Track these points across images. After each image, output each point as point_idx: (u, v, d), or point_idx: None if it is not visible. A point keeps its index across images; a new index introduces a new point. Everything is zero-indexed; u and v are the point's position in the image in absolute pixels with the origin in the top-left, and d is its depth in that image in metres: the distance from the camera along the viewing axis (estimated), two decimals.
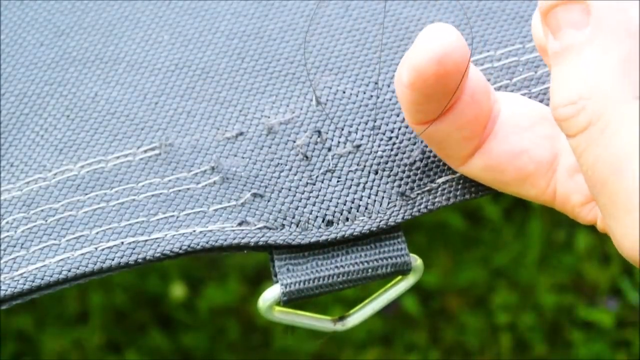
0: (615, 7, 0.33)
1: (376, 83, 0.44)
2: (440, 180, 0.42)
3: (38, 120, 0.44)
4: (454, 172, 0.42)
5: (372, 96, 0.43)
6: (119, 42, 0.47)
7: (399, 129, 0.43)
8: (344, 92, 0.44)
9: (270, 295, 0.40)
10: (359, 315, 0.42)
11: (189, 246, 0.40)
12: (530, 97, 0.43)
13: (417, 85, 0.36)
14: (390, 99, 0.43)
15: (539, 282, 1.28)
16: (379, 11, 0.46)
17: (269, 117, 0.43)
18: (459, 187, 0.42)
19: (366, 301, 0.42)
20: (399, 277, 0.42)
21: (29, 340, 1.26)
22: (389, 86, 0.44)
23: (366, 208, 0.41)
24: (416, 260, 0.41)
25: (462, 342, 1.27)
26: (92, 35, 0.47)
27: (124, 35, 0.47)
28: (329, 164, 0.42)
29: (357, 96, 0.44)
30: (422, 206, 0.41)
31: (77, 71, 0.46)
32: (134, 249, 0.40)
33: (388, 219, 0.41)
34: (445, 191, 0.42)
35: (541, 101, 0.43)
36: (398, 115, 0.43)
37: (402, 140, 0.42)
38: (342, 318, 0.42)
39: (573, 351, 1.25)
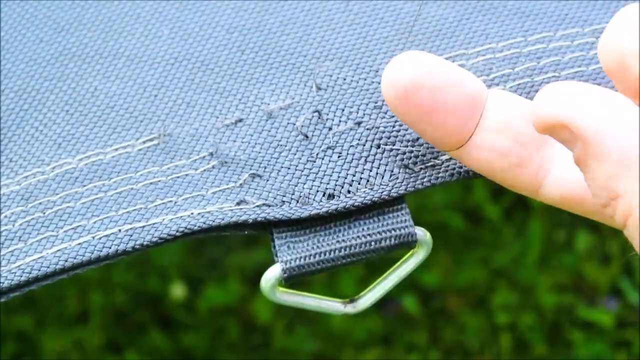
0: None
1: (377, 71, 0.44)
2: (444, 157, 0.41)
3: (37, 115, 0.44)
4: None
5: (373, 82, 0.43)
6: (119, 37, 0.47)
7: None
8: (344, 79, 0.44)
9: (271, 274, 0.39)
10: (370, 296, 0.41)
11: (185, 228, 0.39)
12: (532, 86, 0.43)
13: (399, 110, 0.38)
14: None
15: (539, 282, 1.28)
16: (380, 6, 0.46)
17: (268, 104, 0.43)
18: (464, 164, 0.41)
19: (376, 281, 0.41)
20: (409, 253, 0.40)
21: (29, 340, 1.26)
22: None
23: (368, 181, 0.40)
24: (425, 234, 0.40)
25: (462, 342, 1.27)
26: (92, 31, 0.47)
27: (123, 30, 0.47)
28: (330, 142, 0.42)
29: (357, 82, 0.44)
30: (426, 179, 0.40)
31: (76, 66, 0.46)
32: (131, 235, 0.39)
33: (390, 190, 0.40)
34: (449, 168, 0.41)
35: None
36: None
37: None
38: (352, 300, 0.41)
39: (573, 351, 1.25)
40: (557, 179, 0.38)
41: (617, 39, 0.33)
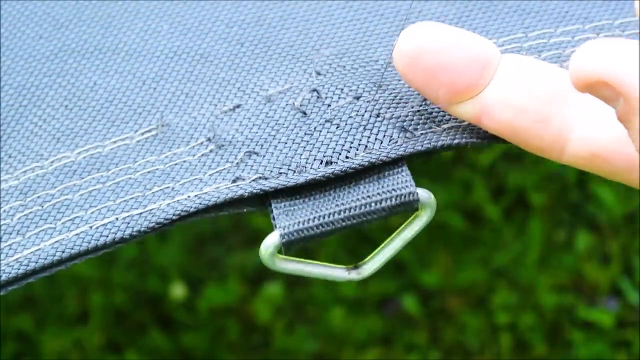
0: None
1: (376, 61, 0.44)
2: (445, 126, 0.41)
3: (37, 111, 0.45)
4: (462, 121, 0.41)
5: (372, 69, 0.43)
6: (118, 32, 0.47)
7: (402, 87, 0.42)
8: (344, 67, 0.44)
9: (270, 241, 0.38)
10: (375, 262, 0.40)
11: (182, 210, 0.39)
12: None
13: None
14: (392, 72, 0.43)
15: (539, 282, 1.28)
16: (380, 3, 0.46)
17: (267, 90, 0.43)
18: (466, 132, 0.40)
19: (380, 246, 0.40)
20: (412, 216, 0.39)
21: (29, 340, 1.26)
22: (390, 63, 0.43)
23: (366, 146, 0.40)
24: (429, 195, 0.39)
25: (462, 342, 1.27)
26: (91, 27, 0.47)
27: (123, 26, 0.47)
28: (328, 116, 0.41)
29: (357, 70, 0.44)
30: (426, 141, 0.40)
31: (75, 62, 0.46)
32: (128, 223, 0.39)
33: (389, 152, 0.39)
34: (451, 134, 0.40)
35: None
36: (399, 80, 0.42)
37: (405, 93, 0.42)
38: (356, 266, 0.40)
39: (573, 351, 1.25)
40: (585, 135, 0.38)
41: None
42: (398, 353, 1.26)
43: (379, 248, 0.40)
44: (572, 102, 0.38)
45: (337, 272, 0.40)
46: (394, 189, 0.39)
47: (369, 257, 0.40)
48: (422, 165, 1.22)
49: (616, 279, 1.29)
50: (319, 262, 0.39)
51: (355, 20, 0.46)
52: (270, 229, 0.39)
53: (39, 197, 0.41)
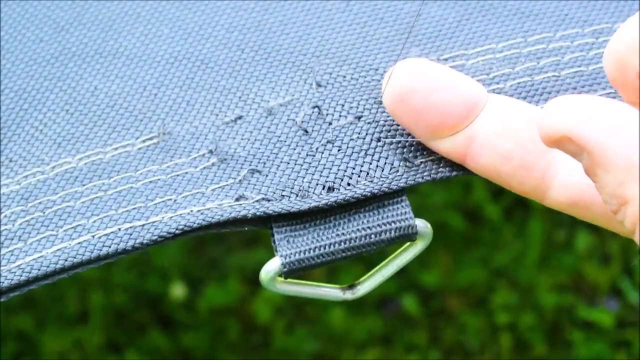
0: None
1: (377, 69, 0.44)
2: None
3: (37, 115, 0.44)
4: None
5: (372, 80, 0.43)
6: (119, 37, 0.47)
7: None
8: (344, 77, 0.44)
9: (271, 267, 0.39)
10: (369, 283, 0.41)
11: (185, 225, 0.39)
12: (532, 84, 0.43)
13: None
14: None
15: (539, 282, 1.28)
16: (380, 6, 0.46)
17: (268, 101, 0.43)
18: None
19: (375, 268, 0.41)
20: (408, 244, 0.40)
21: (29, 340, 1.26)
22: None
23: (368, 173, 0.40)
24: (426, 226, 0.39)
25: (462, 342, 1.27)
26: (92, 30, 0.47)
27: (123, 30, 0.47)
28: (330, 136, 0.42)
29: (357, 80, 0.44)
30: (426, 173, 0.40)
31: (76, 66, 0.46)
32: (131, 234, 0.39)
33: (390, 183, 0.40)
34: (450, 162, 0.41)
35: (544, 89, 0.43)
36: None
37: None
38: (351, 286, 0.41)
39: (573, 351, 1.25)
40: (565, 183, 0.39)
41: (616, 43, 0.34)
42: (398, 353, 1.26)
43: (373, 270, 0.41)
44: (554, 150, 0.38)
45: (333, 292, 0.41)
46: (394, 221, 0.39)
47: (363, 278, 0.41)
48: None
49: (616, 279, 1.29)
50: (315, 284, 0.40)
51: (355, 25, 0.46)
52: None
53: (40, 202, 0.41)
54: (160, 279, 1.31)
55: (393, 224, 0.39)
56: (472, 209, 1.32)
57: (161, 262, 1.31)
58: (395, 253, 0.40)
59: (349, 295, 0.41)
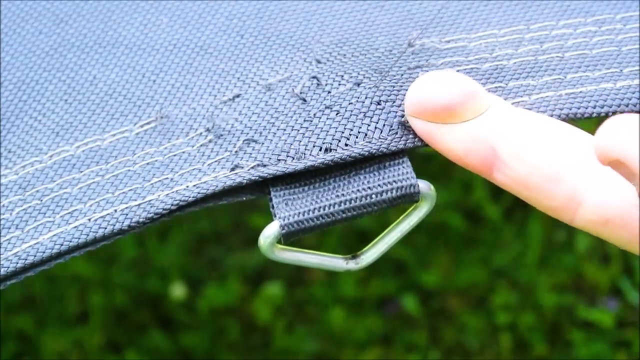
0: None
1: (377, 49, 0.44)
2: None
3: (36, 105, 0.45)
4: None
5: (372, 57, 0.43)
6: (118, 27, 0.47)
7: (402, 74, 0.42)
8: (344, 55, 0.44)
9: (269, 231, 0.38)
10: (373, 252, 0.40)
11: (180, 200, 0.39)
12: (536, 63, 0.42)
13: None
14: (392, 59, 0.43)
15: (539, 282, 1.28)
16: None
17: (267, 79, 0.43)
18: None
19: (379, 237, 0.40)
20: (412, 207, 0.39)
21: (29, 340, 1.26)
22: (390, 51, 0.43)
23: (366, 134, 0.40)
24: (429, 187, 0.39)
25: (462, 342, 1.27)
26: (91, 22, 0.47)
27: (122, 20, 0.47)
28: (328, 102, 0.41)
29: (357, 57, 0.44)
30: None
31: (75, 57, 0.46)
32: (127, 214, 0.39)
33: (389, 144, 0.39)
34: None
35: (548, 66, 0.42)
36: (400, 67, 0.42)
37: (407, 81, 0.42)
38: (355, 256, 0.40)
39: (573, 351, 1.25)
40: (598, 200, 0.37)
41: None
42: (398, 353, 1.25)
43: (377, 238, 0.40)
44: (585, 163, 0.37)
45: (335, 262, 0.40)
46: (394, 181, 0.38)
47: (367, 247, 0.40)
48: (422, 164, 1.22)
49: (616, 279, 1.29)
50: (317, 252, 0.39)
51: (355, 12, 0.46)
52: None
53: (38, 191, 0.41)
54: (160, 279, 1.31)
55: (394, 184, 0.38)
56: (472, 209, 1.32)
57: (161, 262, 1.31)
58: (399, 219, 0.40)
59: (352, 265, 0.40)
